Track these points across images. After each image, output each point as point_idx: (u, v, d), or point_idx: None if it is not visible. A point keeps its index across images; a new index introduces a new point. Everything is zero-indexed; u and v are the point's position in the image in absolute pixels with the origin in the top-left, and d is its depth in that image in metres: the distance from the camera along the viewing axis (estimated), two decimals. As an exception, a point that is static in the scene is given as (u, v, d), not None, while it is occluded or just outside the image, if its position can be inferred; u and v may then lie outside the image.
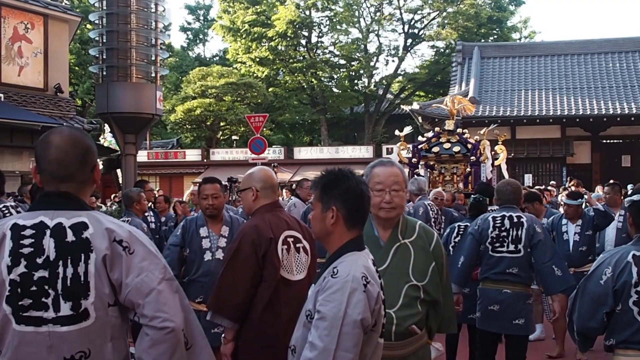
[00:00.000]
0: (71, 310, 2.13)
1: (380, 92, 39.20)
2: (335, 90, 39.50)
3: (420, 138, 12.07)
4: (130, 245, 2.21)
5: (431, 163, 11.85)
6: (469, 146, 11.41)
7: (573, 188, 13.69)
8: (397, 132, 12.19)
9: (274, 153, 31.04)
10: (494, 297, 5.26)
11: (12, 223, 2.20)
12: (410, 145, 12.01)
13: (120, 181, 17.71)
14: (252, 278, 3.73)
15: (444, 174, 11.73)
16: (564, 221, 7.35)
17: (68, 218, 2.20)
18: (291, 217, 4.15)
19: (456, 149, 11.49)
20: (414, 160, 11.68)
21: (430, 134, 12.09)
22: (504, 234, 5.32)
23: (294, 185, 12.54)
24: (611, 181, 8.66)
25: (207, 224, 5.18)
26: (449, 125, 11.74)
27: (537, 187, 14.54)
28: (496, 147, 11.94)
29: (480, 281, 5.49)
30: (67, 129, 2.37)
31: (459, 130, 12.02)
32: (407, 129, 12.15)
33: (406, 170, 11.62)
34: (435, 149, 11.60)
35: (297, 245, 3.93)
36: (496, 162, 12.17)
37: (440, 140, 11.67)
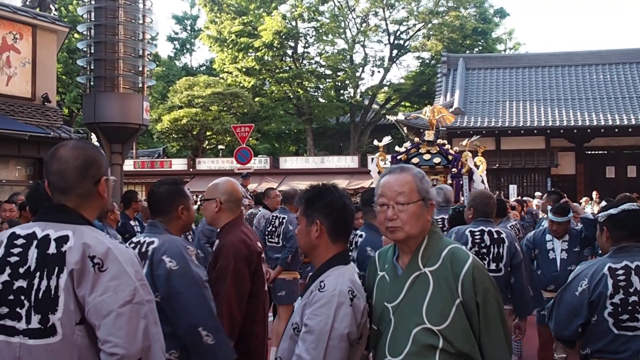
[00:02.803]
0: (39, 324, 2.10)
1: (366, 102, 39.34)
2: (321, 100, 39.57)
3: (397, 148, 11.80)
4: (103, 262, 2.13)
5: None
6: (450, 157, 11.19)
7: (534, 198, 13.68)
8: (375, 142, 11.99)
9: (259, 163, 31.07)
10: None
11: (11, 231, 2.24)
12: (389, 156, 11.76)
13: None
14: (247, 294, 3.71)
15: None
16: (548, 237, 6.45)
17: (56, 230, 2.18)
18: (252, 230, 4.19)
19: (437, 160, 11.06)
20: None
21: (408, 145, 11.82)
22: (484, 250, 4.91)
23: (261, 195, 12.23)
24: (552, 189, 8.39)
25: None
26: (429, 135, 11.35)
27: (516, 198, 14.62)
28: (476, 159, 11.70)
29: None
30: (73, 141, 2.36)
31: (440, 141, 11.84)
32: (386, 139, 11.89)
33: None
34: (415, 160, 11.08)
35: (262, 257, 3.98)
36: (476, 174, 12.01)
37: (420, 151, 11.27)
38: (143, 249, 3.27)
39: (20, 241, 2.19)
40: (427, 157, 11.10)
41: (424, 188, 2.51)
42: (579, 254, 6.38)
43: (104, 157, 2.39)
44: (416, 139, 11.90)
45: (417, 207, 2.46)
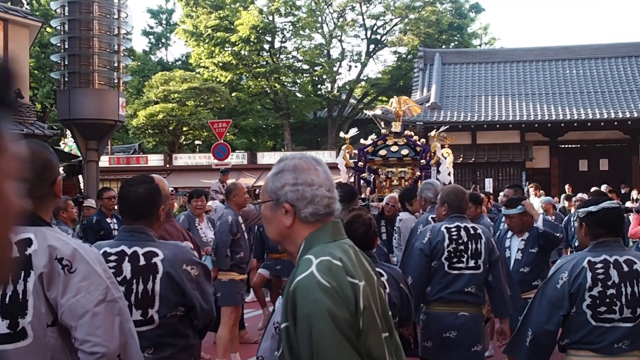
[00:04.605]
0: (8, 329, 2.10)
1: (343, 97, 39.38)
2: (298, 95, 39.54)
3: (362, 141, 11.61)
4: (71, 263, 2.14)
5: (374, 167, 11.04)
6: (418, 149, 11.03)
7: (532, 190, 13.91)
8: (342, 134, 11.80)
9: (237, 158, 30.93)
10: (449, 323, 4.53)
11: None
12: (355, 150, 11.52)
13: (82, 187, 17.56)
14: None
15: (390, 178, 10.88)
16: (509, 234, 6.02)
17: (16, 234, 2.12)
18: (179, 227, 4.39)
19: (404, 151, 10.72)
20: (360, 164, 10.93)
21: (374, 136, 11.60)
22: (462, 247, 4.69)
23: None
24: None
25: None
26: (396, 127, 11.10)
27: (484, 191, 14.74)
28: (442, 151, 11.54)
29: (427, 304, 4.74)
30: (25, 142, 2.31)
31: (407, 132, 11.64)
32: (352, 131, 11.73)
33: (350, 175, 11.15)
34: (382, 152, 10.87)
35: None
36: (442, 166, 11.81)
37: (387, 142, 10.99)
38: (143, 262, 3.03)
39: None
40: (394, 148, 10.82)
41: (273, 188, 2.05)
42: (536, 255, 5.77)
43: (55, 156, 2.38)
44: (383, 131, 11.65)
45: (265, 209, 2.09)
